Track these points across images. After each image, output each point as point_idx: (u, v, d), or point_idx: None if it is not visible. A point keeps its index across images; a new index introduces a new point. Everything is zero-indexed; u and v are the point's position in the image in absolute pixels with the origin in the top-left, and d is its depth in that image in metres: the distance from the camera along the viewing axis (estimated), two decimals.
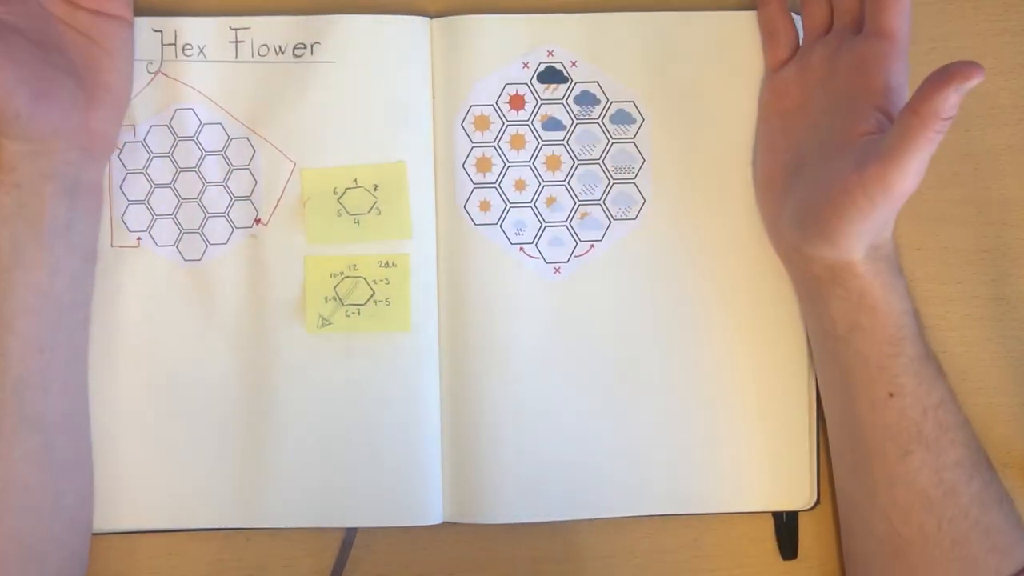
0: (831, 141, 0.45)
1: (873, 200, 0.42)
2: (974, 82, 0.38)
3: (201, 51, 0.50)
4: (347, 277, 0.49)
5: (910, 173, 0.41)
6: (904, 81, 0.45)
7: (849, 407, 0.47)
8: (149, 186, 0.50)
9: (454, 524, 0.50)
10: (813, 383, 0.50)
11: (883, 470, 0.46)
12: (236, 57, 0.50)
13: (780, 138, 0.49)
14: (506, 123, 0.50)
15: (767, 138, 0.50)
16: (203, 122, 0.50)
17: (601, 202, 0.50)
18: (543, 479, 0.49)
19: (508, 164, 0.50)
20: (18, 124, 0.42)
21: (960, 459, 0.45)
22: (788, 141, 0.48)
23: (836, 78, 0.46)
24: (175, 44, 0.50)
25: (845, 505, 0.49)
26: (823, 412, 0.50)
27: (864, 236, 0.44)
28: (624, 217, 0.50)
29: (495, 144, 0.50)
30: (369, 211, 0.49)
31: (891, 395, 0.45)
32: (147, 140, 0.50)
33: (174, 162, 0.50)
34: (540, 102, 0.50)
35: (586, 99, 0.50)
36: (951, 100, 0.38)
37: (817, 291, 0.47)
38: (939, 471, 0.45)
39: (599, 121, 0.50)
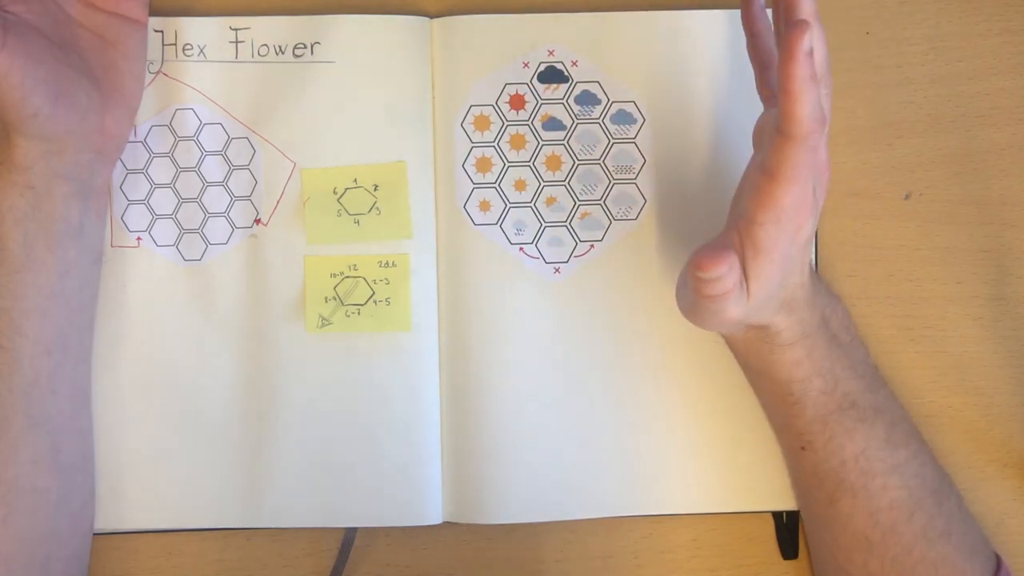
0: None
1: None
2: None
3: (201, 51, 0.50)
4: (347, 277, 0.49)
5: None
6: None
7: (781, 446, 0.48)
8: (149, 186, 0.50)
9: (454, 524, 0.50)
10: None
11: (818, 512, 0.46)
12: (236, 57, 0.50)
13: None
14: (506, 123, 0.50)
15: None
16: (203, 122, 0.50)
17: (601, 202, 0.50)
18: (543, 479, 0.49)
19: (508, 164, 0.50)
20: (36, 123, 0.42)
21: (895, 500, 0.43)
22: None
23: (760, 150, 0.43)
24: (175, 44, 0.50)
25: (806, 534, 0.49)
26: None
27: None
28: (624, 217, 0.50)
29: (495, 144, 0.50)
30: (369, 211, 0.49)
31: (803, 448, 0.45)
32: (147, 140, 0.50)
33: (174, 162, 0.50)
34: (540, 102, 0.50)
35: (587, 99, 0.50)
36: None
37: None
38: (873, 514, 0.43)
39: (600, 121, 0.50)
